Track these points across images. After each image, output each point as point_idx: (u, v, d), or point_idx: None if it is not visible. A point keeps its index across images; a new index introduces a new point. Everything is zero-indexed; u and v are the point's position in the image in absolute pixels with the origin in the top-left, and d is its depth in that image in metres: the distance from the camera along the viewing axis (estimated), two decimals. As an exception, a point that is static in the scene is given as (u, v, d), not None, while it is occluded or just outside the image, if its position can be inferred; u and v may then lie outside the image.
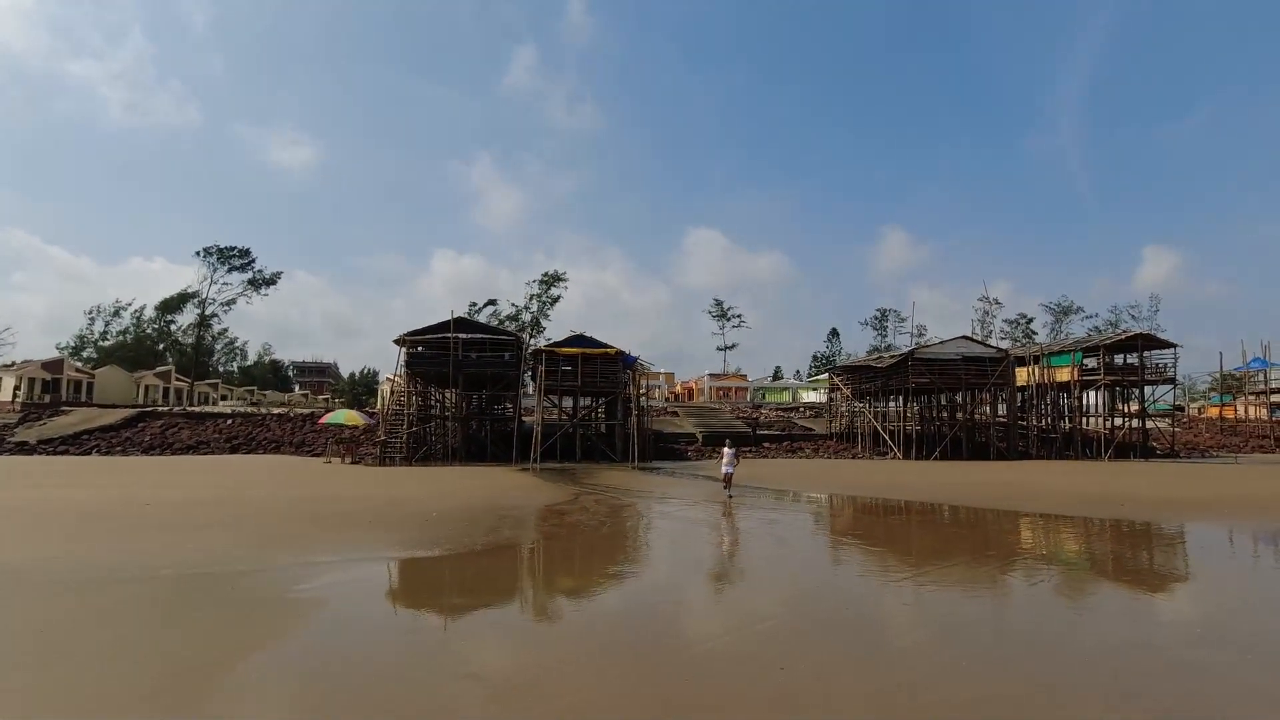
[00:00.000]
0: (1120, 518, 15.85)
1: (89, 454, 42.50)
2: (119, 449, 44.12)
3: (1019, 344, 67.06)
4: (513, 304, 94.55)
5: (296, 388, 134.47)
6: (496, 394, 46.30)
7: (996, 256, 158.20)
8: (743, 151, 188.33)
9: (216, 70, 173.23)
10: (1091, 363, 44.38)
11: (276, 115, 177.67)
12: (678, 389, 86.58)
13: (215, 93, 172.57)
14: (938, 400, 49.17)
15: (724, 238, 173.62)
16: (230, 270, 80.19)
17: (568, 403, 51.32)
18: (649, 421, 44.80)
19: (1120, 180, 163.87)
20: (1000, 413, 45.99)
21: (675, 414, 58.95)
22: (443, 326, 39.63)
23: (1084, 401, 46.80)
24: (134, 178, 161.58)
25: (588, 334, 41.64)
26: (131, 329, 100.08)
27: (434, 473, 29.24)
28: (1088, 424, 45.67)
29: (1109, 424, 44.39)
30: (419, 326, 39.91)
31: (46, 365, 75.61)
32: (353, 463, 34.45)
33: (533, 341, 74.61)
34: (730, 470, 19.97)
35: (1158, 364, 43.45)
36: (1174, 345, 43.04)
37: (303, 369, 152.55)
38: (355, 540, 12.09)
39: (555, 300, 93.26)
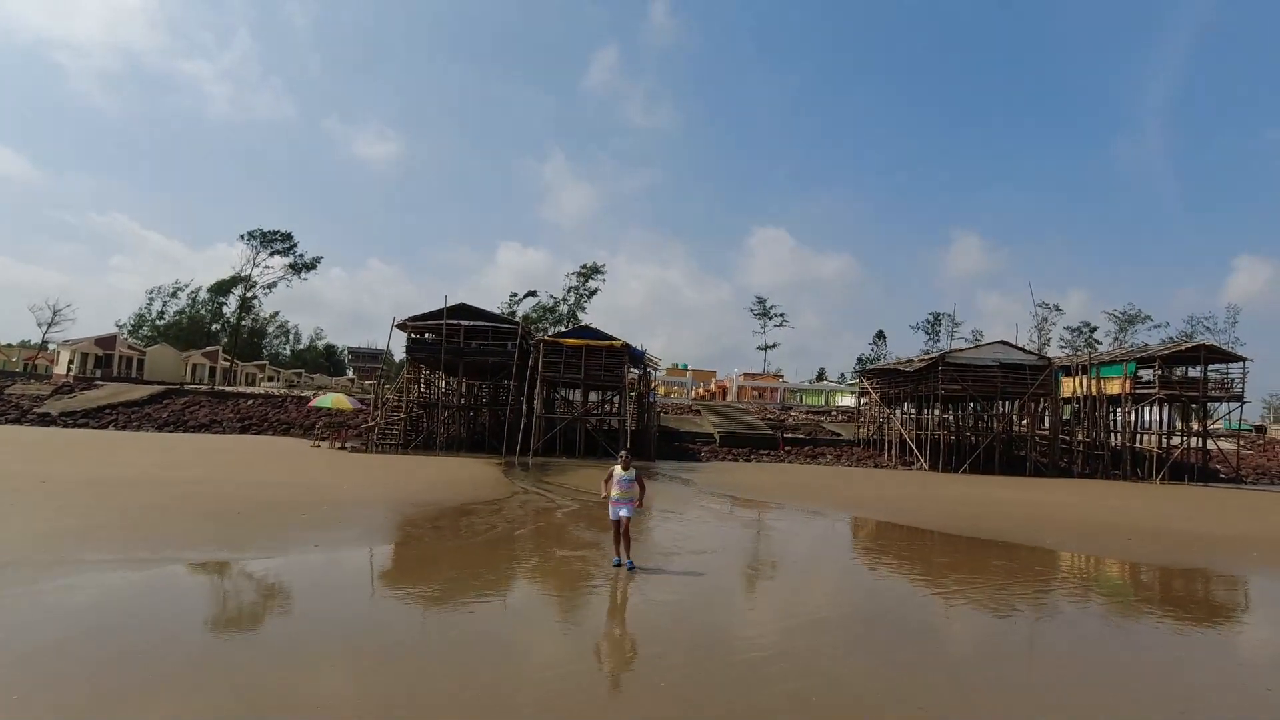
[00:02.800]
0: (1118, 557, 13.25)
1: (105, 427, 43.23)
2: (135, 424, 44.79)
3: (1079, 353, 62.25)
4: (551, 296, 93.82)
5: (350, 371, 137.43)
6: (507, 384, 45.19)
7: (1073, 265, 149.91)
8: (813, 151, 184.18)
9: (314, 68, 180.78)
10: (1148, 374, 40.28)
11: (365, 111, 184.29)
12: (713, 388, 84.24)
13: (311, 89, 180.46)
14: (975, 409, 45.68)
15: (791, 237, 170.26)
16: (273, 254, 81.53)
17: (591, 397, 50.02)
18: (654, 419, 42.84)
19: (1212, 188, 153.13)
20: (1041, 425, 42.36)
21: (697, 412, 56.87)
22: (447, 312, 38.57)
23: (1138, 417, 42.69)
24: (230, 168, 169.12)
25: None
26: (187, 309, 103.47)
27: (409, 462, 28.07)
28: (1141, 441, 41.55)
29: (1164, 442, 40.20)
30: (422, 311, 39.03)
31: (99, 341, 78.33)
32: (340, 448, 33.72)
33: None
34: (626, 514, 9.48)
35: (1223, 379, 39.12)
36: (1242, 359, 38.60)
37: (357, 354, 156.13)
38: (184, 535, 10.68)
39: (593, 293, 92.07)
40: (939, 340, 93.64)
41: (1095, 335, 77.71)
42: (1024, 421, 42.32)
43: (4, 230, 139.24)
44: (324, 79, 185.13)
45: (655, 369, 47.85)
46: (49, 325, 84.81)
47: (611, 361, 38.47)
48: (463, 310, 38.88)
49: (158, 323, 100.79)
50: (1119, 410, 40.64)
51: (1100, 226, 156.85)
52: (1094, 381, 40.78)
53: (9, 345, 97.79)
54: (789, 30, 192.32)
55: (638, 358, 40.57)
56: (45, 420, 43.74)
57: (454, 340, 38.42)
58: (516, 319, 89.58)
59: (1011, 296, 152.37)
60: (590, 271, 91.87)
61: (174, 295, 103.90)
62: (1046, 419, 42.18)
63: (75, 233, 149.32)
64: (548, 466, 29.79)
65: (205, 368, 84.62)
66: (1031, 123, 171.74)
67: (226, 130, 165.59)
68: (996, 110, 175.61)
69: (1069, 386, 42.75)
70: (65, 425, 42.88)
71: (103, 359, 76.40)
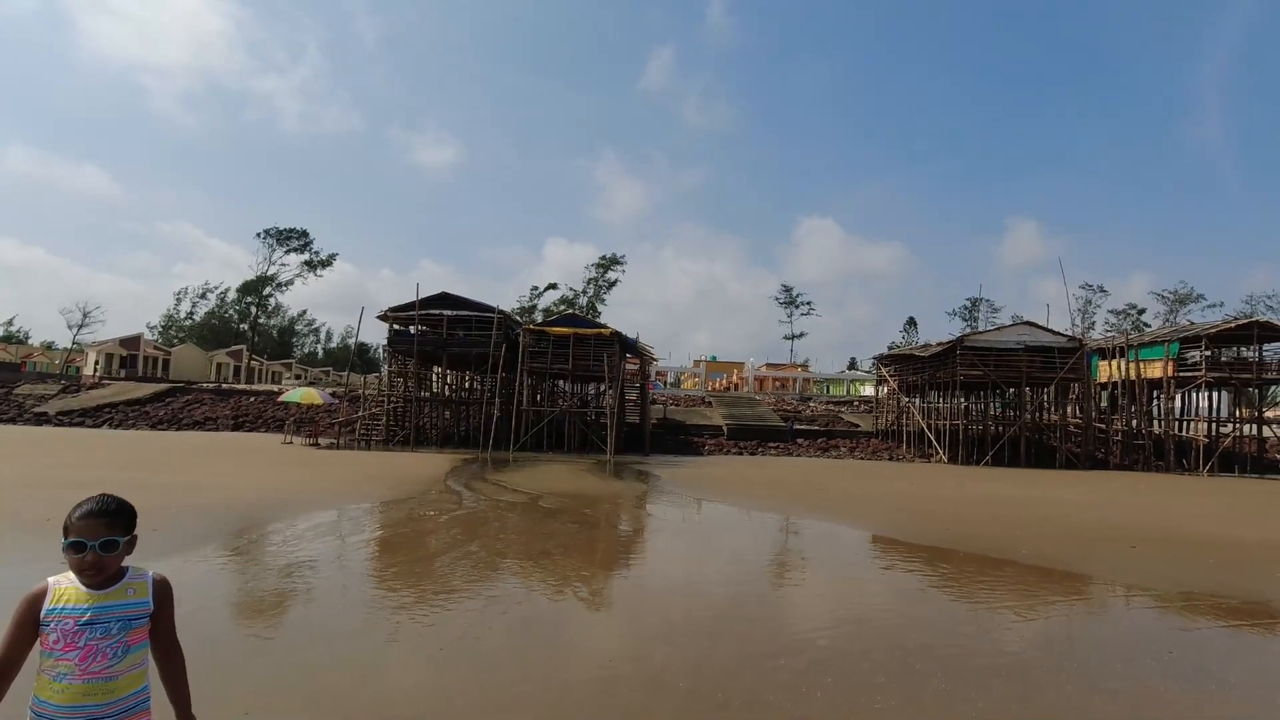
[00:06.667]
0: (1105, 577, 10.59)
1: (100, 426, 42.87)
2: (131, 422, 44.36)
3: (1117, 335, 57.84)
4: (571, 288, 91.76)
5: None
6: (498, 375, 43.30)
7: (1135, 249, 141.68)
8: (864, 139, 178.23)
9: (379, 80, 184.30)
10: (1195, 356, 36.36)
11: (425, 118, 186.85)
12: (734, 379, 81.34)
13: (376, 100, 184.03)
14: (1001, 395, 42.21)
15: (839, 227, 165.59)
16: (288, 251, 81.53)
17: (590, 389, 47.98)
18: (649, 411, 40.56)
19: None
20: (1074, 412, 38.78)
21: (709, 404, 54.31)
22: (430, 301, 36.91)
23: (1185, 402, 38.74)
24: (295, 177, 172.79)
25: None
26: (216, 310, 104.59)
27: (368, 458, 26.42)
28: (1187, 429, 37.64)
29: (1213, 430, 36.26)
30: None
31: (124, 342, 79.28)
32: (313, 444, 32.33)
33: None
34: None
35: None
36: (1300, 335, 34.50)
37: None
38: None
39: (612, 285, 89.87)
40: (977, 326, 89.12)
41: (1144, 317, 72.46)
42: (1055, 409, 38.83)
43: (88, 243, 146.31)
44: (388, 89, 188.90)
45: (654, 359, 45.50)
46: (79, 327, 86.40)
47: (601, 350, 36.25)
48: (445, 299, 37.17)
49: (185, 323, 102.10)
50: (1161, 395, 36.80)
51: (1163, 209, 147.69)
52: (1132, 364, 37.00)
53: (65, 349, 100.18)
54: (838, 15, 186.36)
55: (630, 346, 38.26)
56: (40, 419, 43.59)
57: (436, 330, 36.81)
58: (536, 312, 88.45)
59: (1072, 283, 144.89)
60: (609, 263, 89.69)
61: (203, 296, 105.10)
62: (1079, 406, 38.58)
63: (146, 242, 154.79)
64: (516, 462, 27.82)
65: (230, 366, 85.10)
66: (1087, 105, 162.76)
67: (295, 142, 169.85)
68: (1051, 93, 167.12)
69: (1105, 370, 39.02)
70: (60, 424, 42.63)
71: (128, 359, 77.27)
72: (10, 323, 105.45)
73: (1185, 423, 38.09)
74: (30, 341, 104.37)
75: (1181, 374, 35.04)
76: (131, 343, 79.40)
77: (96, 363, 75.43)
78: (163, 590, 2.42)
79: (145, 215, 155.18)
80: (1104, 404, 40.73)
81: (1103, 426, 38.39)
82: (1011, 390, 39.80)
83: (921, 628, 7.21)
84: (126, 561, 2.38)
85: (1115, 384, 38.36)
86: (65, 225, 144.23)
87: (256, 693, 4.76)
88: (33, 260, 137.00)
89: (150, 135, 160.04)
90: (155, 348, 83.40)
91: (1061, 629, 7.65)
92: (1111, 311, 76.50)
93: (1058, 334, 37.57)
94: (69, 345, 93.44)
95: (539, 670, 5.47)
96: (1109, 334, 65.15)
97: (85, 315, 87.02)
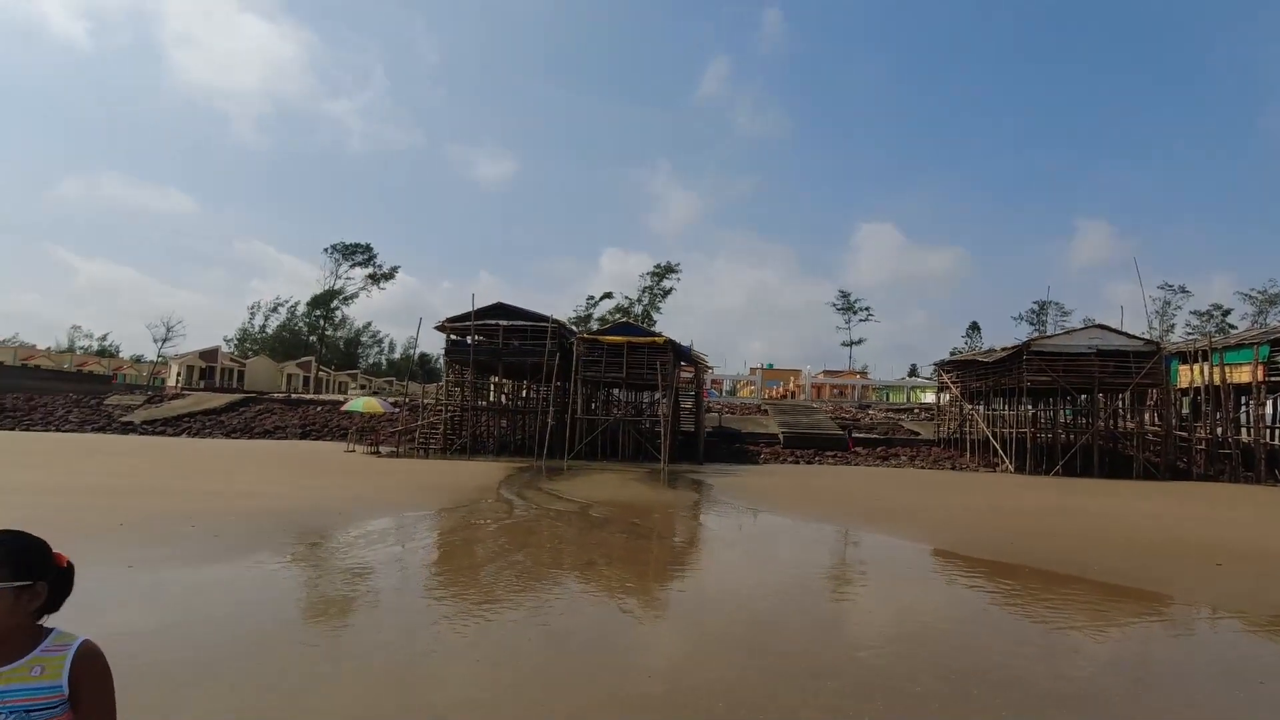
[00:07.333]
0: (1184, 597, 9.89)
1: (180, 434, 45.06)
2: (208, 431, 46.45)
3: (1200, 337, 54.62)
4: (626, 297, 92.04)
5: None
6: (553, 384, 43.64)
7: (1218, 249, 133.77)
8: (923, 139, 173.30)
9: (440, 99, 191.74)
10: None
11: (484, 133, 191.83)
12: (791, 386, 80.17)
13: (437, 118, 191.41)
14: (1072, 402, 40.30)
15: (898, 231, 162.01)
16: (353, 266, 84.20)
17: (644, 397, 47.95)
18: (703, 420, 40.22)
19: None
20: (1152, 420, 36.75)
21: (764, 412, 53.65)
22: (486, 312, 37.52)
23: (1279, 409, 36.23)
24: (361, 194, 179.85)
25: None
26: (287, 323, 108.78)
27: (427, 466, 26.96)
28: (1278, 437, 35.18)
29: (1310, 439, 33.79)
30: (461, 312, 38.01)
31: (203, 354, 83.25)
32: (373, 452, 33.23)
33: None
34: None
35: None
36: None
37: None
38: None
39: (667, 293, 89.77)
40: (1045, 330, 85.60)
41: (1229, 319, 68.22)
42: (1131, 416, 36.85)
43: (171, 261, 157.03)
44: (448, 107, 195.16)
45: (709, 367, 45.17)
46: (163, 341, 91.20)
47: (654, 359, 36.14)
48: (500, 310, 37.70)
49: (259, 336, 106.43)
50: (1250, 401, 34.49)
51: (1245, 207, 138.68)
52: (1217, 368, 34.82)
53: (151, 361, 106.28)
54: (892, 13, 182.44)
55: (684, 354, 38.05)
56: (127, 428, 46.07)
57: (492, 340, 37.38)
58: (592, 320, 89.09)
59: (1147, 285, 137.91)
60: (664, 271, 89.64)
61: (274, 310, 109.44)
62: (1158, 413, 36.53)
63: (222, 259, 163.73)
64: (569, 470, 27.95)
65: (299, 377, 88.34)
66: (1158, 98, 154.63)
67: (361, 159, 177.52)
68: (1119, 87, 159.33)
69: (1186, 375, 36.83)
70: (145, 433, 44.99)
71: (206, 370, 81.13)
72: (104, 338, 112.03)
73: (1277, 431, 35.61)
74: (121, 355, 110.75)
75: (1272, 378, 32.77)
76: (210, 355, 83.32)
77: (178, 374, 79.46)
78: (87, 666, 1.73)
79: (222, 234, 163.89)
80: (1185, 411, 38.45)
81: (1184, 434, 36.22)
82: (1083, 396, 37.97)
83: (980, 649, 6.84)
84: (54, 622, 1.79)
85: (1198, 389, 36.15)
86: (152, 246, 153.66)
87: (290, 703, 4.81)
88: (123, 279, 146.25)
89: (227, 158, 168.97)
90: (231, 359, 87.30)
91: (1136, 653, 7.15)
92: (1194, 313, 72.31)
93: (1133, 337, 35.67)
94: (154, 358, 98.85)
95: (573, 685, 5.38)
96: (1190, 336, 61.56)
97: (169, 330, 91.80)
